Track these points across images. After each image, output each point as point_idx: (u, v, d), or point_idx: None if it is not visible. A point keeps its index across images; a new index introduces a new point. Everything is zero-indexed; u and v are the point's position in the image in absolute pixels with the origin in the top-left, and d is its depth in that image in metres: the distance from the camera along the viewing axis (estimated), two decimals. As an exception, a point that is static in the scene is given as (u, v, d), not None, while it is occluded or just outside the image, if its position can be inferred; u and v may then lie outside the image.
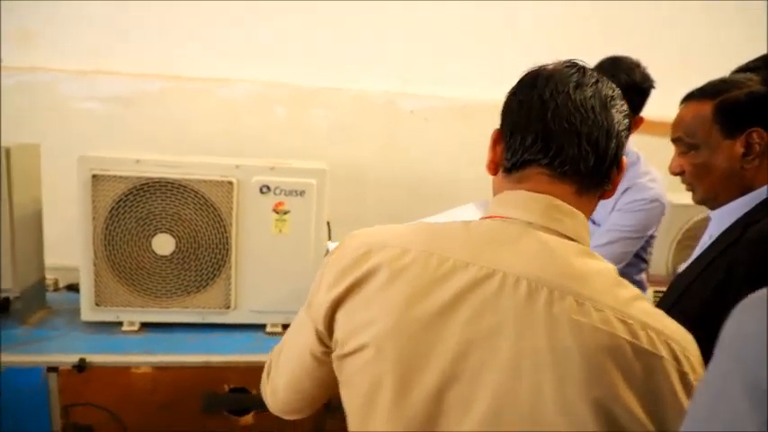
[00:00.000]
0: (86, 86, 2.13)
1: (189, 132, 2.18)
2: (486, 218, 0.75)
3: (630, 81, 1.58)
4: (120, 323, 1.60)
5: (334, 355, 0.74)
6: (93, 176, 1.49)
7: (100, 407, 1.44)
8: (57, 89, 2.12)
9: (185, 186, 1.53)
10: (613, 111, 0.73)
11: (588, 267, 0.67)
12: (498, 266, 0.66)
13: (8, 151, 1.48)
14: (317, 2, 2.18)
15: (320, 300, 0.74)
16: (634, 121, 1.61)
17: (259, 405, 1.49)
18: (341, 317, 0.72)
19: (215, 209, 1.56)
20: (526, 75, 0.78)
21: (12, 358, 1.40)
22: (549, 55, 2.55)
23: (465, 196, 2.32)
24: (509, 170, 0.75)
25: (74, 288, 1.88)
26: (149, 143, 2.12)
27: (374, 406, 0.68)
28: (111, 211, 1.52)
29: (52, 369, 1.41)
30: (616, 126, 0.73)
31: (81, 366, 1.41)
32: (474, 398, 0.64)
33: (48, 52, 2.12)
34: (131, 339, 1.55)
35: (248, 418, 1.51)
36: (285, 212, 1.58)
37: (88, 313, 1.57)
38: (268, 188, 1.57)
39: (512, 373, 0.63)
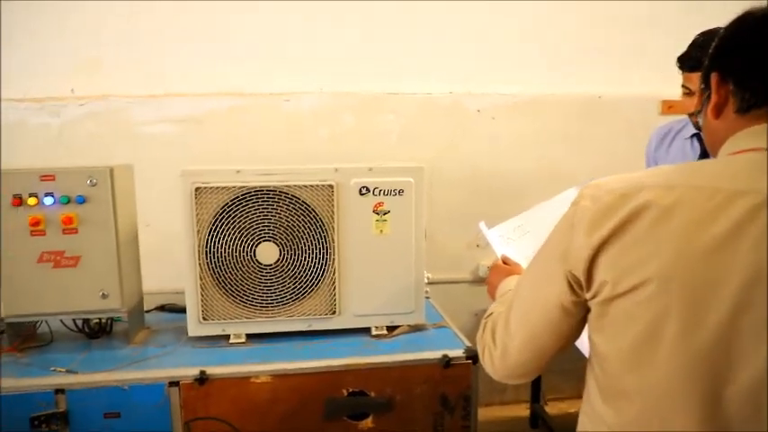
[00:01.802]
0: (157, 109, 2.16)
1: (259, 147, 2.20)
2: (737, 153, 0.74)
3: None
4: (227, 336, 1.59)
5: (596, 301, 0.75)
6: (196, 189, 1.50)
7: (221, 420, 1.42)
8: (128, 114, 2.15)
9: (286, 193, 1.53)
10: None
11: None
12: None
13: (112, 171, 1.49)
14: (376, 12, 2.21)
15: (579, 246, 0.75)
16: None
17: (378, 408, 1.48)
18: (604, 259, 0.73)
19: (316, 213, 1.55)
20: (743, 20, 0.77)
21: (133, 375, 1.40)
22: (603, 45, 2.55)
23: (533, 191, 2.32)
24: (745, 110, 0.75)
25: (164, 308, 1.89)
26: (221, 161, 2.14)
27: (657, 339, 0.69)
28: (213, 223, 1.52)
29: (173, 384, 1.40)
30: None
31: (202, 379, 1.39)
32: None
33: (117, 79, 2.15)
34: (243, 351, 1.54)
35: (368, 422, 1.48)
36: (385, 213, 1.58)
37: (195, 328, 1.56)
38: (367, 189, 1.56)
39: None
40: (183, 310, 1.65)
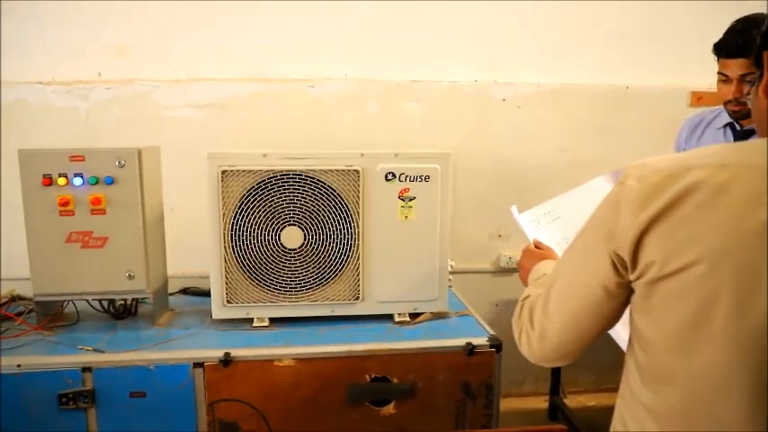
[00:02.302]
0: (182, 94, 2.16)
1: (283, 132, 2.19)
2: None
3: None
4: (250, 320, 1.59)
5: (641, 281, 0.73)
6: (222, 172, 1.50)
7: (244, 402, 1.43)
8: (153, 98, 2.15)
9: (312, 177, 1.53)
10: None
11: None
12: None
13: (140, 153, 1.50)
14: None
15: (625, 225, 0.73)
16: None
17: (400, 394, 1.48)
18: (652, 239, 0.71)
19: (341, 198, 1.55)
20: None
21: (158, 356, 1.41)
22: (632, 35, 2.50)
23: (557, 181, 2.29)
24: None
25: (188, 292, 1.90)
26: (245, 146, 2.14)
27: (706, 322, 0.67)
28: (239, 206, 1.52)
29: (198, 365, 1.40)
30: None
31: (226, 361, 1.40)
32: None
33: (143, 63, 2.15)
34: (266, 334, 1.54)
35: (389, 408, 1.48)
36: (411, 199, 1.57)
37: (219, 311, 1.57)
38: (393, 175, 1.55)
39: None
40: (206, 294, 1.66)
